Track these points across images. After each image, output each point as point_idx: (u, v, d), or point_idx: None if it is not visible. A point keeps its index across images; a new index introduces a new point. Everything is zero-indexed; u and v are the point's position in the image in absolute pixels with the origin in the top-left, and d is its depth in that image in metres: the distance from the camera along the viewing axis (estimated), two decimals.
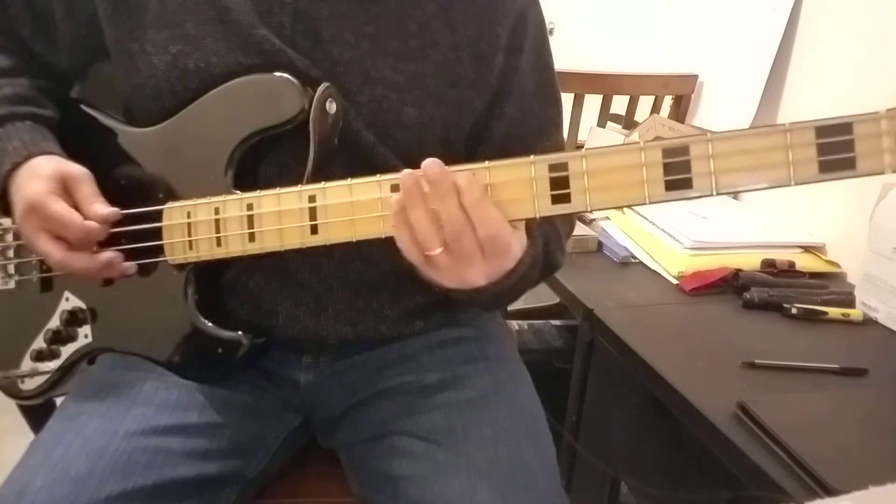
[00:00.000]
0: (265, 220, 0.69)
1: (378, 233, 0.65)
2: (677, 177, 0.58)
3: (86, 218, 0.70)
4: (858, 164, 0.54)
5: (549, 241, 0.78)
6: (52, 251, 0.71)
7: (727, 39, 1.71)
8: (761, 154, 0.55)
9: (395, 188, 0.63)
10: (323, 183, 0.67)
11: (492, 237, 0.61)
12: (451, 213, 0.60)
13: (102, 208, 0.71)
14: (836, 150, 0.54)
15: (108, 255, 0.72)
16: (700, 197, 0.58)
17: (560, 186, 0.60)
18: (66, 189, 0.71)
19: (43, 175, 0.71)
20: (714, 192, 0.58)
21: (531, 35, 0.80)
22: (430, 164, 0.60)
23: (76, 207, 0.71)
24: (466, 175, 0.60)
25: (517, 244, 0.64)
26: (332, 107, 0.70)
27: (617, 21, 2.33)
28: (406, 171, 0.61)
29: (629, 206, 1.35)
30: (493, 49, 0.77)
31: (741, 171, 0.57)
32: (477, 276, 0.63)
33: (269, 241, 0.69)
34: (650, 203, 0.59)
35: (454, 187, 0.60)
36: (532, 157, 0.60)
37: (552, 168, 0.60)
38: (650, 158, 0.58)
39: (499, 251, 0.62)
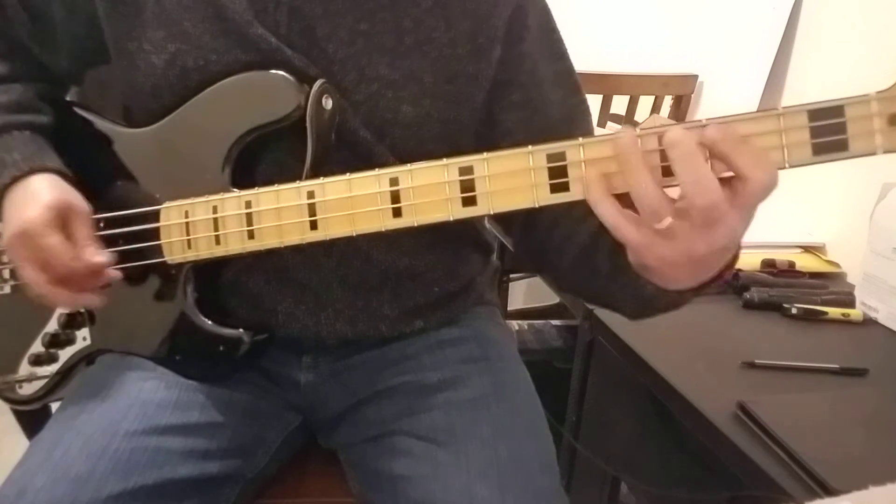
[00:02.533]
0: (264, 217, 0.69)
1: (378, 227, 0.65)
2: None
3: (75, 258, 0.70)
4: (851, 145, 0.55)
5: None
6: (38, 282, 0.70)
7: (727, 39, 1.71)
8: (755, 139, 0.55)
9: (393, 182, 0.63)
10: (322, 178, 0.66)
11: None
12: (694, 165, 0.53)
13: (95, 255, 0.70)
14: (828, 132, 0.55)
15: (89, 297, 0.72)
16: None
17: (558, 175, 0.60)
18: (64, 221, 0.70)
19: (43, 203, 0.69)
20: None
21: (533, 23, 0.79)
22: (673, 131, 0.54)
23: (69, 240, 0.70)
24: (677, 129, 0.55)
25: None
26: (328, 103, 0.70)
27: (617, 21, 2.33)
28: (622, 129, 0.56)
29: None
30: (490, 41, 0.76)
31: None
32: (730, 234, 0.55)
33: (268, 238, 0.69)
34: None
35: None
36: (529, 147, 0.60)
37: (550, 158, 0.60)
38: (648, 146, 0.57)
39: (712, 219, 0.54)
